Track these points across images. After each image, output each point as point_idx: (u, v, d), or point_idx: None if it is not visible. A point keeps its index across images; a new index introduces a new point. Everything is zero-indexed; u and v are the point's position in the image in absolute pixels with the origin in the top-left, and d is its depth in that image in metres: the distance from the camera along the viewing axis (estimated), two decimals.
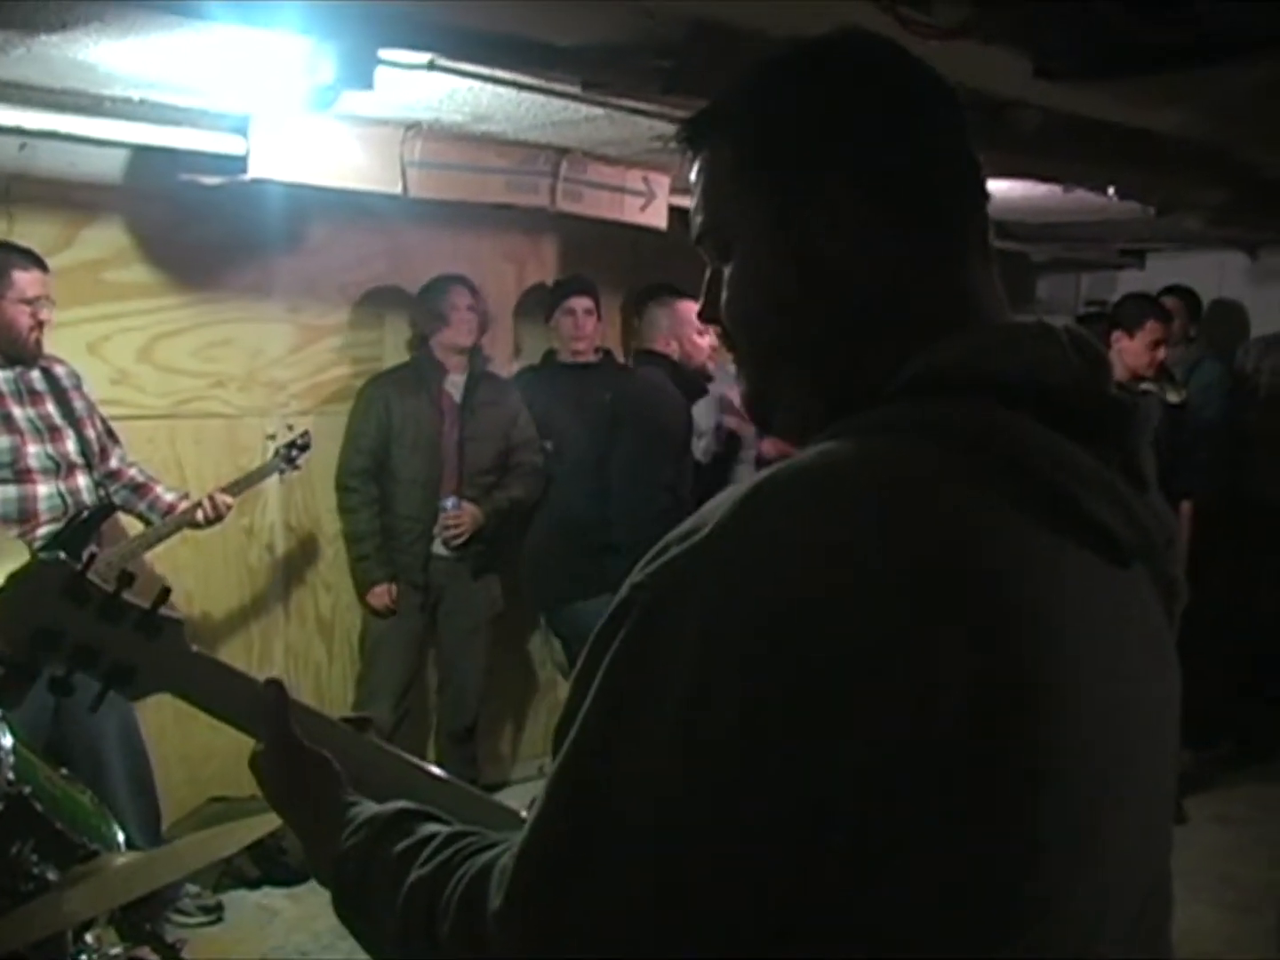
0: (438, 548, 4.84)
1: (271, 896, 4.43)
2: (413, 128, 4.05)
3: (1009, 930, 0.84)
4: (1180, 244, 6.90)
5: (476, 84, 3.34)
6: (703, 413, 5.15)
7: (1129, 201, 4.92)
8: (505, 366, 5.44)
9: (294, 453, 4.49)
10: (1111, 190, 4.53)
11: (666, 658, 0.85)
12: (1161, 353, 6.45)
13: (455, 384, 4.91)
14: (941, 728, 0.81)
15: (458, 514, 4.80)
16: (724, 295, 1.05)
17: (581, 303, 5.05)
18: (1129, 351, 6.17)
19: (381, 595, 4.84)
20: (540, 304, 5.36)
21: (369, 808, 1.15)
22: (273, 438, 4.79)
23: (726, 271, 1.05)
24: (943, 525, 0.86)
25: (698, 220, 1.07)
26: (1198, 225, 5.65)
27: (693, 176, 1.07)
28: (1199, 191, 4.92)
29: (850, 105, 1.00)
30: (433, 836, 1.06)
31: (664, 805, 0.83)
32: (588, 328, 5.05)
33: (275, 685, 1.28)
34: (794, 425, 1.03)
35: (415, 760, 1.40)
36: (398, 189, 4.14)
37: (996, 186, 4.53)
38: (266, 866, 4.45)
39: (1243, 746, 6.29)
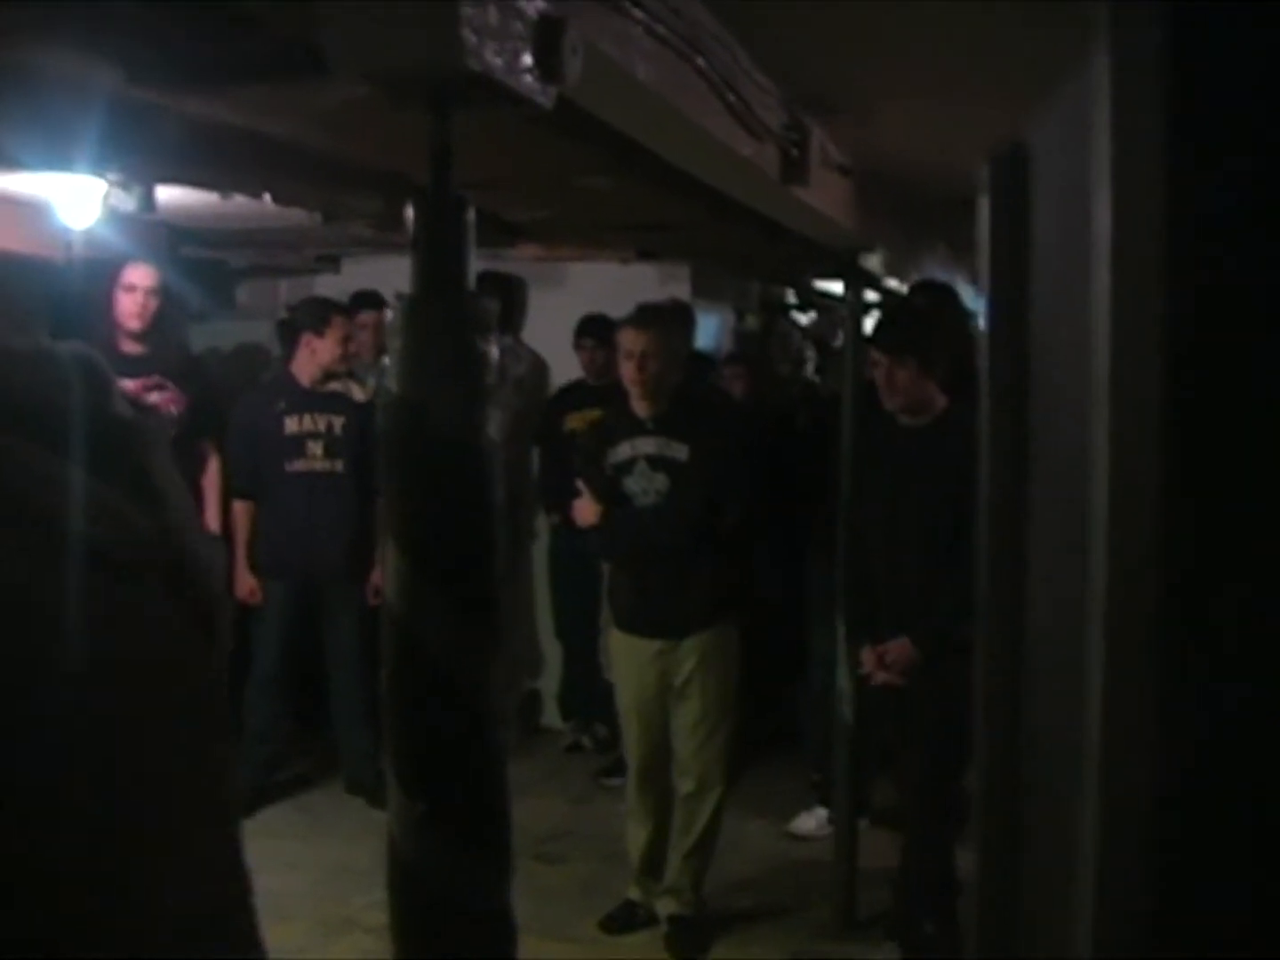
0: None
1: None
2: None
3: None
4: (374, 248, 7.38)
5: None
6: None
7: (293, 208, 5.32)
8: None
9: None
10: (267, 197, 4.91)
11: None
12: (353, 348, 7.04)
13: None
14: None
15: None
16: None
17: None
18: (322, 350, 6.70)
19: None
20: None
21: None
22: None
23: None
24: None
25: None
26: (368, 232, 6.12)
27: None
28: (356, 200, 5.39)
29: None
30: None
31: None
32: None
33: None
34: None
35: None
36: None
37: (171, 194, 4.73)
38: None
39: None
